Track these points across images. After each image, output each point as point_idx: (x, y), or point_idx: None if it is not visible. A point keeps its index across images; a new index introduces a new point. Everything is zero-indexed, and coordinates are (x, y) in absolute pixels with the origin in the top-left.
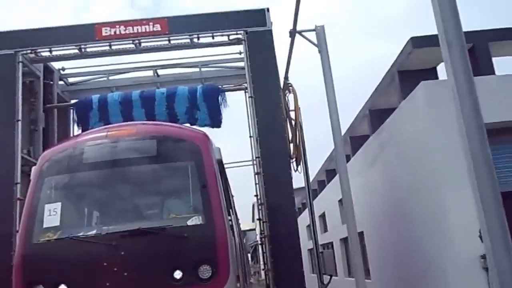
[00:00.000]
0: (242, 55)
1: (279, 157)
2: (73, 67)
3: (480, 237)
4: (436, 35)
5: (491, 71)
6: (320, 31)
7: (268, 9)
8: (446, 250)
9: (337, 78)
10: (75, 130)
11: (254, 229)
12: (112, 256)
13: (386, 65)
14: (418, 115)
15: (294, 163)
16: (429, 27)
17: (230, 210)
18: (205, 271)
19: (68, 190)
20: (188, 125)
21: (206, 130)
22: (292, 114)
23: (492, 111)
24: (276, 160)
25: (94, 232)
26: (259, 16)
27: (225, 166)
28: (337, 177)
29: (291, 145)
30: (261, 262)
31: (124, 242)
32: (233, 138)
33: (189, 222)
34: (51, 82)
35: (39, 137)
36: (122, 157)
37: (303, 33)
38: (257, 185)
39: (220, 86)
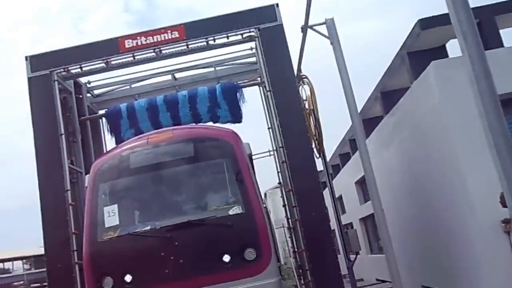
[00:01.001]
0: (253, 51)
1: (302, 145)
2: (97, 80)
3: (501, 202)
4: (442, 15)
5: (500, 44)
6: (330, 24)
7: (277, 5)
8: (467, 218)
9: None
10: (108, 138)
11: None
12: (168, 246)
13: (386, 42)
14: (431, 94)
15: (315, 149)
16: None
17: (262, 198)
18: (250, 254)
19: (120, 193)
20: (211, 123)
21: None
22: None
23: (502, 82)
24: (299, 148)
25: (149, 227)
26: (270, 12)
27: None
28: (351, 160)
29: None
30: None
31: (176, 234)
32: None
33: (231, 212)
34: (81, 96)
35: (79, 148)
36: (163, 160)
37: (314, 27)
38: (280, 173)
39: (236, 83)
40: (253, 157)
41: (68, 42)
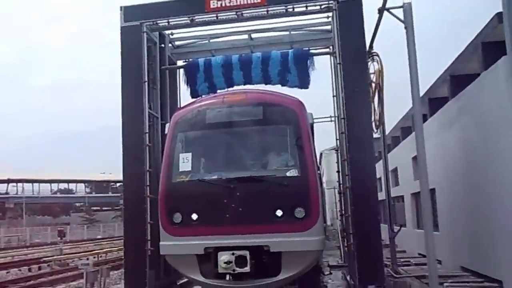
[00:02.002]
0: (329, 19)
1: (362, 119)
2: (179, 32)
3: None
4: None
5: None
6: (407, 8)
7: None
8: None
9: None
10: (183, 88)
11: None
12: (230, 195)
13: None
14: (498, 87)
15: (374, 124)
16: None
17: (318, 164)
18: (299, 212)
19: (194, 143)
20: (279, 86)
21: (295, 90)
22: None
23: None
24: (360, 121)
25: (216, 176)
26: None
27: None
28: (412, 135)
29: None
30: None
31: (239, 185)
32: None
33: (288, 174)
34: (163, 46)
35: (157, 94)
36: (234, 119)
37: (390, 10)
38: (338, 141)
39: (308, 49)
40: (316, 120)
41: None
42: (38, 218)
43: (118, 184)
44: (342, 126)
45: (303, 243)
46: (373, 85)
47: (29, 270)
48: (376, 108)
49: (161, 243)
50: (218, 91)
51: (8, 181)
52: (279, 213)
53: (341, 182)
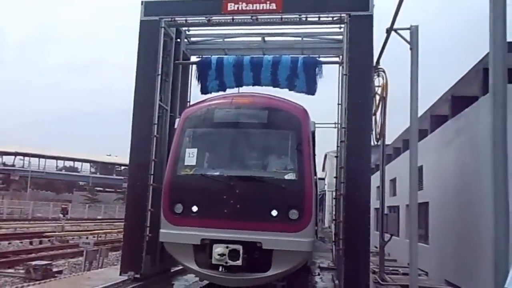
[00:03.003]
0: (341, 30)
1: (362, 130)
2: (195, 28)
3: None
4: None
5: None
6: (414, 30)
7: None
8: None
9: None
10: (194, 84)
11: (323, 179)
12: (230, 192)
13: None
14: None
15: (374, 135)
16: None
17: (315, 170)
18: (293, 214)
19: (201, 140)
20: (287, 90)
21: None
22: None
23: None
24: (359, 132)
25: (218, 173)
26: (363, 1)
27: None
28: None
29: (373, 118)
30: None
31: (239, 183)
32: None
33: (286, 177)
34: (179, 41)
35: (169, 88)
36: (241, 121)
37: (398, 31)
38: (338, 148)
39: (318, 57)
40: (321, 126)
41: None
42: (41, 192)
43: (122, 167)
44: (343, 135)
45: (294, 243)
46: (377, 97)
47: (31, 243)
48: (378, 120)
49: (161, 230)
50: (227, 89)
51: (16, 154)
52: (274, 213)
53: (336, 188)
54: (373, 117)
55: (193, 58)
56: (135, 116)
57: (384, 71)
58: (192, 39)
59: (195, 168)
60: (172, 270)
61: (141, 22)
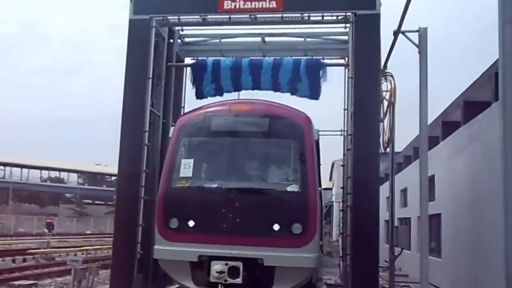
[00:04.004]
0: (346, 30)
1: (370, 137)
2: (190, 28)
3: None
4: None
5: None
6: (422, 33)
7: None
8: None
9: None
10: (188, 87)
11: (331, 189)
12: (229, 205)
13: None
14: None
15: (382, 143)
16: None
17: (320, 181)
18: (297, 228)
19: (197, 150)
20: (288, 94)
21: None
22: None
23: None
24: (367, 139)
25: (216, 185)
26: None
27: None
28: None
29: (381, 125)
30: (340, 226)
31: (238, 196)
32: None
33: (289, 188)
34: (172, 41)
35: (161, 92)
36: (240, 129)
37: (406, 34)
38: (345, 156)
39: (322, 59)
40: (326, 133)
41: None
42: (24, 205)
43: (113, 178)
44: (349, 142)
45: (298, 259)
46: (385, 103)
47: (13, 261)
48: (386, 127)
49: (155, 247)
50: (225, 94)
51: None
52: (276, 227)
53: (343, 199)
54: (381, 124)
55: (188, 60)
56: (124, 123)
57: (392, 76)
58: (186, 39)
59: (192, 180)
60: None
61: (130, 21)
